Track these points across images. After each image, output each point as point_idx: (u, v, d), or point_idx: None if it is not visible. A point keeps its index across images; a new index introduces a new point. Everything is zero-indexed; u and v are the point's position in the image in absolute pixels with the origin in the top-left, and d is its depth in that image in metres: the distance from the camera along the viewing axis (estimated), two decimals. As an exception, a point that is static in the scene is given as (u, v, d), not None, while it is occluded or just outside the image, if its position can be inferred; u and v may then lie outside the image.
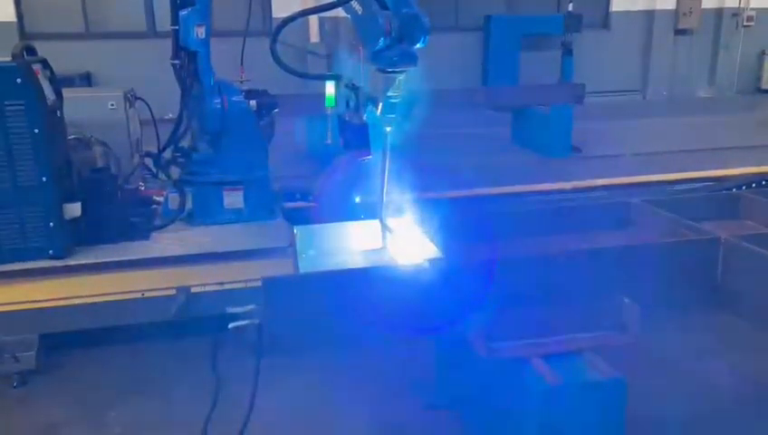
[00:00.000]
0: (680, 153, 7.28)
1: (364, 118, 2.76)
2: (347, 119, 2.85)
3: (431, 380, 2.86)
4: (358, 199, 3.25)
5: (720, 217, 3.77)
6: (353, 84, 2.77)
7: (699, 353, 3.13)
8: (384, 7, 2.49)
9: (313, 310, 2.31)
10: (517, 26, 10.90)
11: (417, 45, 2.52)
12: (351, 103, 2.79)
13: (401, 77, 2.58)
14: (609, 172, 5.97)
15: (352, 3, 2.53)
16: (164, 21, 9.74)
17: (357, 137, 2.85)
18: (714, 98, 12.46)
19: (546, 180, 5.28)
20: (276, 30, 2.63)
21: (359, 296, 2.35)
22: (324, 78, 2.96)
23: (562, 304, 2.45)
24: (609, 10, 11.87)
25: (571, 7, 9.99)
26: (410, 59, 2.51)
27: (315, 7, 2.71)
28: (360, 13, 2.53)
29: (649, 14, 11.95)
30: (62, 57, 9.54)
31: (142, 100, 4.19)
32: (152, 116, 4.15)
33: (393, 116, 2.64)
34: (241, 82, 3.97)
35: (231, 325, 2.42)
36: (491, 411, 2.49)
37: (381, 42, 2.44)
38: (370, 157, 2.88)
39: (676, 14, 11.98)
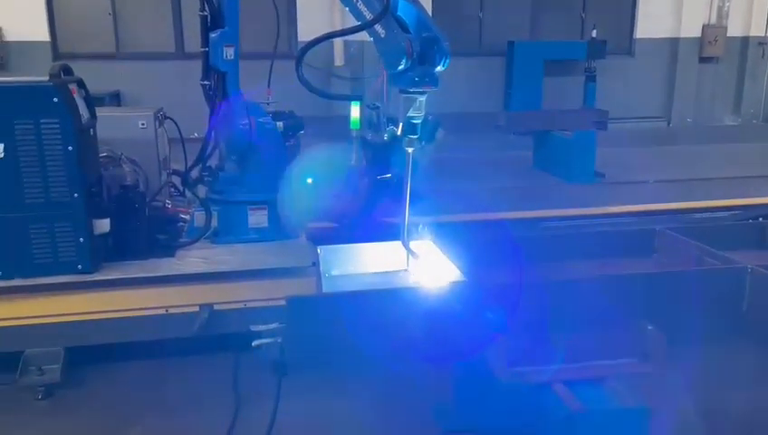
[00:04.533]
0: (705, 181, 7.22)
1: (385, 137, 2.80)
2: (369, 138, 2.90)
3: (452, 404, 2.85)
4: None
5: (746, 246, 3.72)
6: (375, 105, 2.83)
7: (724, 384, 3.08)
8: (406, 31, 2.56)
9: (336, 330, 2.33)
10: (540, 52, 10.90)
11: (438, 68, 2.58)
12: (373, 123, 2.85)
13: (422, 98, 2.63)
14: (632, 199, 5.93)
15: (376, 26, 2.59)
16: (191, 42, 9.96)
17: (377, 156, 2.90)
18: (739, 126, 12.36)
19: (568, 206, 5.26)
20: (301, 52, 2.70)
21: (381, 318, 2.37)
22: (348, 99, 3.02)
23: (586, 331, 2.44)
24: (634, 37, 11.88)
25: (594, 33, 10.03)
26: (431, 80, 2.58)
27: (340, 30, 2.77)
28: (382, 36, 2.60)
29: (674, 42, 11.94)
30: (93, 76, 9.73)
31: (171, 119, 4.27)
32: (180, 135, 4.23)
33: (415, 137, 2.68)
34: (267, 103, 4.02)
35: (254, 343, 2.44)
36: (511, 437, 2.47)
37: (403, 63, 2.51)
38: (389, 176, 2.93)
39: (701, 41, 11.95)
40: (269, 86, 4.10)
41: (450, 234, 3.04)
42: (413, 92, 2.60)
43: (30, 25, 9.98)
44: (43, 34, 10.08)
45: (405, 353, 2.42)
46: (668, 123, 12.21)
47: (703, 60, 12.11)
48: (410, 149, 2.73)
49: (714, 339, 2.87)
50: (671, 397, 2.55)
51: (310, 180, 3.46)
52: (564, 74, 11.14)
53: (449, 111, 9.02)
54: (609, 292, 2.68)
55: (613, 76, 11.04)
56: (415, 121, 2.67)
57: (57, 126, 3.09)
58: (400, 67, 2.54)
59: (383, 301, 2.47)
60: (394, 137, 2.75)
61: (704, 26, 11.94)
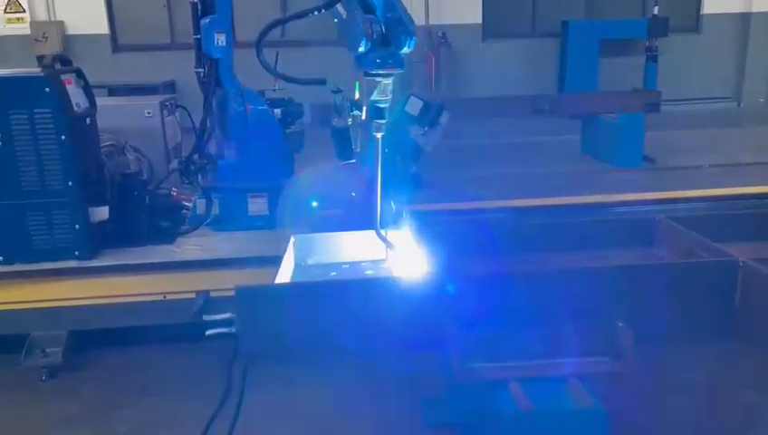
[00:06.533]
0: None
1: (348, 122, 2.73)
2: (333, 124, 2.83)
3: (436, 397, 2.75)
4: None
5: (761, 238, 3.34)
6: (338, 88, 2.75)
7: (710, 384, 2.85)
8: (370, 12, 2.47)
9: (286, 321, 2.29)
10: (597, 31, 10.44)
11: (405, 49, 2.47)
12: (337, 107, 2.77)
13: (387, 81, 2.54)
14: (675, 184, 5.58)
15: (338, 7, 2.51)
16: (241, 31, 10.10)
17: (340, 141, 2.83)
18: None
19: (595, 192, 5.00)
20: (261, 35, 2.66)
21: (333, 308, 2.31)
22: (311, 82, 2.94)
23: (556, 326, 2.29)
24: (700, 12, 11.17)
25: (656, 10, 9.48)
26: (395, 62, 2.47)
27: (299, 12, 2.70)
28: (344, 17, 2.52)
29: (745, 17, 11.15)
30: (150, 66, 10.14)
31: (183, 108, 4.33)
32: (192, 123, 4.27)
33: (382, 121, 2.59)
34: (274, 90, 4.01)
35: (208, 332, 2.44)
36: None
37: (363, 45, 2.42)
38: (353, 161, 2.85)
39: (775, 15, 11.14)
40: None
41: (430, 223, 2.93)
42: (375, 75, 2.51)
43: (90, 19, 10.40)
44: (102, 27, 10.48)
45: (361, 346, 2.35)
46: (739, 104, 11.45)
47: (777, 34, 11.27)
48: (379, 135, 2.63)
49: (701, 336, 2.65)
50: (634, 399, 2.37)
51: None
52: (623, 55, 10.62)
53: (503, 94, 8.77)
54: (588, 285, 2.51)
55: (677, 55, 10.43)
56: (381, 106, 2.58)
57: (50, 116, 3.19)
58: (360, 49, 2.45)
59: (329, 293, 2.41)
60: (359, 122, 2.67)
61: (778, -1, 11.11)
